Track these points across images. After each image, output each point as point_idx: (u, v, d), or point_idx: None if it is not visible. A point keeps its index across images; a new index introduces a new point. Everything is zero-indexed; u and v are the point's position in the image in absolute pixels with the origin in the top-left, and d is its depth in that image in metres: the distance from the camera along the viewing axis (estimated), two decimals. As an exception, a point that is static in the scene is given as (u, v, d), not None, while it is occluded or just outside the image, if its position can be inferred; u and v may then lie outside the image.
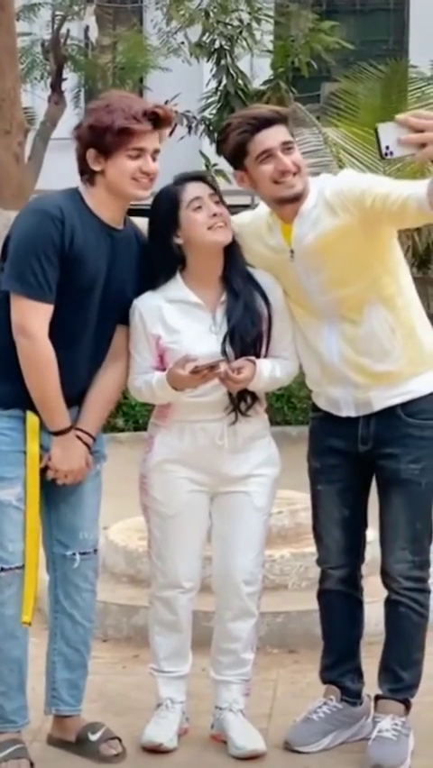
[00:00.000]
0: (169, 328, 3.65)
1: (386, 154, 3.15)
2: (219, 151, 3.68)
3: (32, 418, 3.58)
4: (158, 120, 3.53)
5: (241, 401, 3.69)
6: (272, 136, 3.55)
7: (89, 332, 3.61)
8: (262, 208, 3.75)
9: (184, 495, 3.74)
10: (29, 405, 3.57)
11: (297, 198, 3.58)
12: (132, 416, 11.08)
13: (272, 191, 3.58)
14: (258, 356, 3.66)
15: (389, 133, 3.15)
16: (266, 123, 3.56)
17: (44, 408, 3.55)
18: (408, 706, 3.81)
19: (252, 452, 3.76)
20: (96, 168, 3.54)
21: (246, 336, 3.64)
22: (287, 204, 3.59)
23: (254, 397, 3.72)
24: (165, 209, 3.64)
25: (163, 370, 3.64)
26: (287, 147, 3.56)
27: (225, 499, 3.78)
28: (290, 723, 3.96)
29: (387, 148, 3.15)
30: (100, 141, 3.50)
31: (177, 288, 3.68)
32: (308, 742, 3.78)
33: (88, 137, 3.53)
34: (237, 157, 3.59)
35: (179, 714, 3.85)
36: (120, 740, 3.76)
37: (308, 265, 3.63)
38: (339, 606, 3.92)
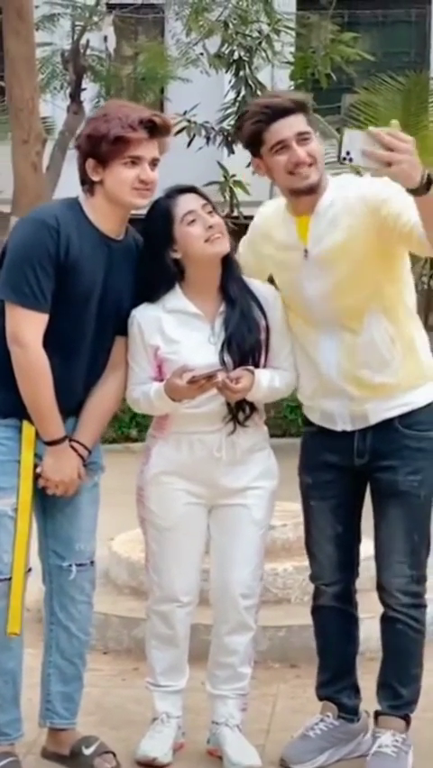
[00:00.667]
0: (167, 339, 3.62)
1: (344, 159, 3.12)
2: (237, 138, 3.68)
3: (27, 428, 3.56)
4: (155, 128, 3.51)
5: (239, 411, 3.66)
6: (288, 126, 3.50)
7: (87, 342, 3.59)
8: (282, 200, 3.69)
9: (181, 507, 3.71)
10: (26, 414, 3.55)
11: (312, 190, 3.54)
12: (145, 426, 11.01)
13: (287, 182, 3.54)
14: (257, 366, 3.63)
15: (355, 141, 3.13)
16: (283, 112, 3.50)
17: (38, 418, 3.53)
18: (408, 722, 3.77)
19: (250, 465, 3.73)
20: (95, 177, 3.53)
21: (244, 344, 3.62)
22: (302, 195, 3.55)
23: (253, 407, 3.69)
24: (159, 225, 3.61)
25: (162, 380, 3.61)
26: (303, 138, 3.51)
27: (222, 512, 3.75)
28: (288, 739, 3.93)
29: (348, 153, 3.12)
30: (97, 150, 3.49)
31: (176, 298, 3.66)
32: (304, 759, 3.74)
33: (86, 147, 3.53)
34: (253, 145, 3.56)
35: (174, 728, 3.81)
36: (114, 754, 3.73)
37: (320, 267, 3.58)
38: (334, 622, 3.88)
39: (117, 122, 3.48)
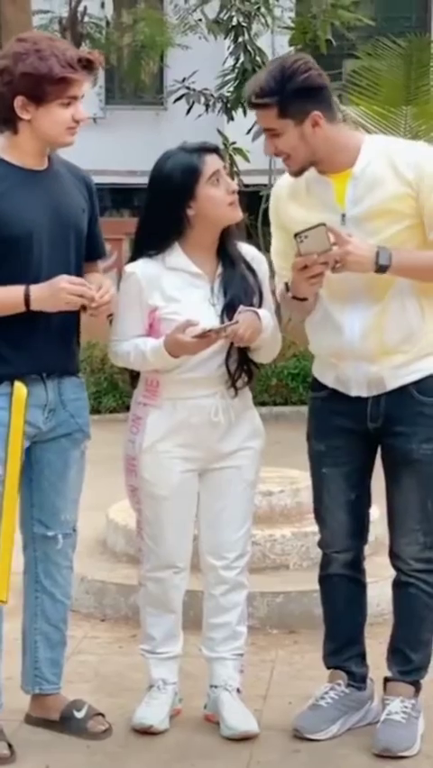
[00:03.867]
0: (167, 297, 3.58)
1: (297, 234, 3.39)
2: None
3: (18, 390, 3.48)
4: (91, 66, 3.44)
5: (240, 374, 3.63)
6: (260, 119, 3.49)
7: (55, 274, 3.48)
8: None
9: (176, 475, 3.67)
10: (18, 374, 3.49)
11: (303, 171, 3.51)
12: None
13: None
14: None
15: (320, 235, 3.36)
16: (252, 106, 3.48)
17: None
18: (418, 688, 3.74)
19: (241, 426, 3.72)
20: (25, 116, 3.43)
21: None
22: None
23: (251, 370, 3.67)
24: (181, 179, 3.54)
25: (152, 336, 3.59)
26: (270, 133, 3.45)
27: (214, 475, 3.72)
28: (286, 705, 3.91)
29: (305, 237, 3.36)
30: (35, 89, 3.39)
31: (177, 256, 3.61)
32: (319, 729, 3.69)
33: (20, 85, 3.39)
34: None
35: (170, 695, 3.79)
36: (104, 716, 3.72)
37: (358, 229, 3.48)
38: (343, 590, 3.84)
39: (55, 60, 3.37)
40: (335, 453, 3.71)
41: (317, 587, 4.60)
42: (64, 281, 3.43)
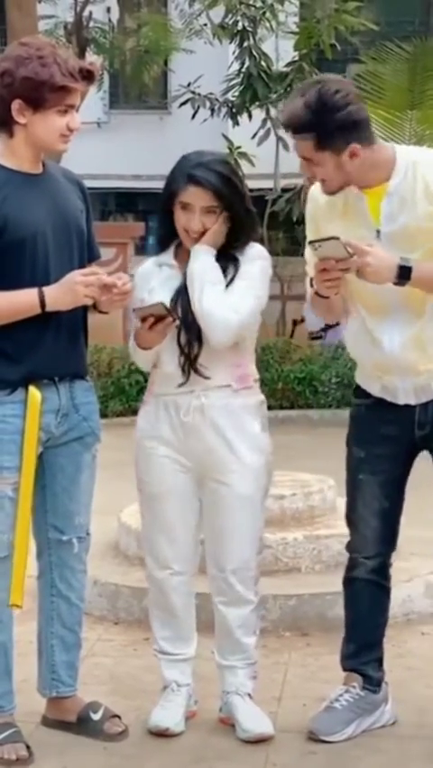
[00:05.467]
0: (149, 289, 3.67)
1: (311, 242, 3.45)
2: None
3: (34, 396, 3.51)
4: (90, 77, 3.49)
5: (189, 352, 3.60)
6: (296, 147, 3.47)
7: (60, 277, 3.51)
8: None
9: (168, 475, 3.68)
10: (31, 378, 3.52)
11: (339, 190, 3.50)
12: (153, 399, 11.03)
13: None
14: None
15: (336, 246, 3.35)
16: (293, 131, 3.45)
17: (11, 317, 3.47)
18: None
19: (233, 439, 3.64)
20: (21, 120, 3.45)
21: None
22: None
23: (199, 346, 3.60)
24: (169, 187, 3.63)
25: None
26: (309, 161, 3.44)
27: (207, 487, 3.70)
28: (300, 707, 3.93)
29: (319, 246, 3.39)
30: (33, 94, 3.41)
31: (167, 253, 3.73)
32: (335, 731, 3.71)
33: (20, 88, 3.41)
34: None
35: (185, 697, 3.81)
36: (120, 717, 3.74)
37: (393, 246, 3.45)
38: (368, 595, 3.83)
39: (57, 68, 3.40)
40: (374, 461, 3.70)
41: (329, 590, 4.66)
42: (78, 275, 3.46)
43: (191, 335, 3.60)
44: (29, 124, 3.45)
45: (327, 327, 3.68)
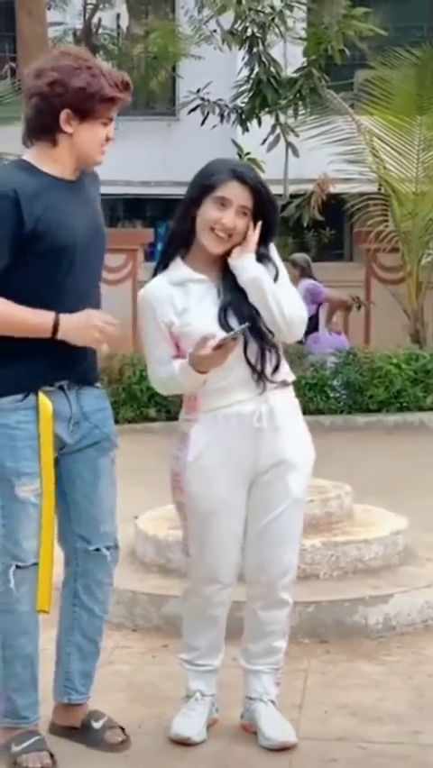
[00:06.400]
0: (178, 312, 3.58)
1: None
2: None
3: (44, 403, 3.50)
4: (128, 89, 3.53)
5: (264, 364, 3.57)
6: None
7: (91, 288, 3.58)
8: None
9: (223, 490, 3.63)
10: (40, 385, 3.52)
11: None
12: (164, 405, 11.04)
13: None
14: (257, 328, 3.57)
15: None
16: None
17: (23, 332, 3.47)
18: None
19: (287, 436, 3.64)
20: (68, 129, 3.48)
21: (242, 307, 3.57)
22: None
23: (277, 354, 3.60)
24: (198, 185, 3.58)
25: (181, 356, 3.57)
26: None
27: (261, 489, 3.66)
28: (322, 714, 3.92)
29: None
30: (83, 104, 3.45)
31: (178, 269, 3.62)
32: None
33: (71, 98, 3.44)
34: None
35: (208, 706, 3.80)
36: (123, 729, 3.72)
37: None
38: None
39: (104, 79, 3.46)
40: None
41: (347, 596, 4.66)
42: (98, 319, 3.47)
43: (264, 345, 3.57)
44: (75, 134, 3.48)
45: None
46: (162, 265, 3.66)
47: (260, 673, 3.78)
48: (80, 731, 3.73)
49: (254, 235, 3.57)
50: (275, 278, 3.60)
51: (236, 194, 3.54)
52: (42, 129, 3.50)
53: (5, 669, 3.58)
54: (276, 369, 3.61)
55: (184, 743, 3.71)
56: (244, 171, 3.58)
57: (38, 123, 3.50)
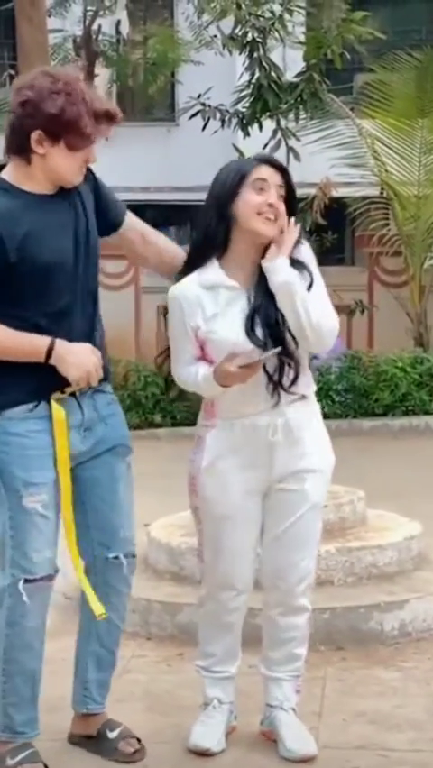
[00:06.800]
0: (206, 317, 3.53)
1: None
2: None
3: (57, 411, 3.47)
4: (113, 120, 3.42)
5: (282, 376, 3.50)
6: None
7: (81, 292, 3.51)
8: None
9: (237, 496, 3.60)
10: (54, 391, 3.49)
11: None
12: (169, 411, 11.04)
13: None
14: (283, 340, 3.49)
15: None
16: None
17: (16, 356, 3.43)
18: None
19: (305, 445, 3.60)
20: (40, 150, 3.39)
21: (270, 318, 3.50)
22: None
23: (297, 367, 3.53)
24: (228, 180, 3.52)
25: (204, 358, 3.54)
26: None
27: (278, 496, 3.63)
28: (340, 722, 3.89)
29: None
30: (55, 130, 3.35)
31: (213, 272, 3.54)
32: None
33: (41, 121, 3.35)
34: None
35: (226, 714, 3.77)
36: (139, 739, 3.69)
37: None
38: None
39: (83, 107, 3.33)
40: None
41: (362, 602, 4.64)
42: (96, 358, 3.44)
43: (284, 356, 3.49)
44: (47, 156, 3.40)
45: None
46: (195, 265, 3.58)
47: (280, 681, 3.75)
48: (95, 740, 3.72)
49: (290, 235, 3.52)
50: (309, 286, 3.53)
51: (270, 174, 3.53)
52: (16, 147, 3.43)
53: (5, 683, 3.54)
54: (294, 381, 3.55)
55: (204, 753, 3.68)
56: (267, 156, 3.62)
57: (12, 140, 3.43)
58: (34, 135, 3.36)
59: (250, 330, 3.50)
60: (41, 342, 3.41)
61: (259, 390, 3.54)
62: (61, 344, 3.42)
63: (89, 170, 3.57)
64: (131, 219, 3.72)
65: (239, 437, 3.58)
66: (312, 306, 3.49)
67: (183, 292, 3.56)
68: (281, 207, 3.52)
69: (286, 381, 3.53)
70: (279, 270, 3.49)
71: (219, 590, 3.71)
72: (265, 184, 3.51)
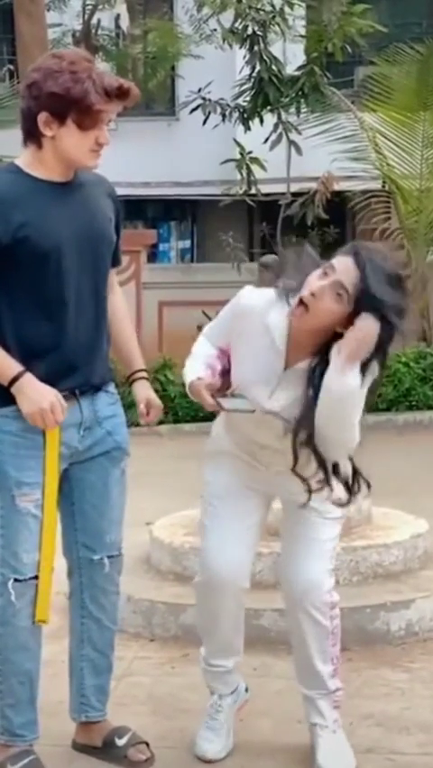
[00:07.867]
0: (243, 342, 3.36)
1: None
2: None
3: None
4: (125, 96, 3.32)
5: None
6: None
7: (82, 294, 3.44)
8: None
9: (236, 487, 3.54)
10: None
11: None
12: (171, 408, 10.98)
13: None
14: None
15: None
16: None
17: None
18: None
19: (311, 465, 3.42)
20: (48, 133, 3.33)
21: (294, 408, 3.30)
22: None
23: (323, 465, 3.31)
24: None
25: (219, 357, 3.46)
26: None
27: (286, 507, 3.58)
28: (347, 725, 3.83)
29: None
30: (60, 110, 3.28)
31: (279, 319, 3.29)
32: None
33: (46, 101, 3.27)
34: None
35: (228, 713, 3.70)
36: (148, 744, 3.61)
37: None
38: None
39: (91, 84, 3.24)
40: None
41: (368, 602, 4.57)
42: (56, 401, 3.33)
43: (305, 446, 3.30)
44: (57, 138, 3.34)
45: None
46: (280, 285, 3.34)
47: (311, 699, 3.63)
48: (104, 748, 3.64)
49: (367, 339, 3.17)
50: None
51: (337, 268, 3.24)
52: (27, 131, 3.38)
53: (1, 683, 3.47)
54: (317, 480, 3.36)
55: (210, 761, 3.61)
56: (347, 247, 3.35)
57: (23, 125, 3.38)
58: (41, 117, 3.31)
59: (262, 396, 3.32)
60: (11, 370, 3.34)
61: (270, 432, 3.39)
62: (28, 379, 3.34)
63: (114, 195, 3.56)
64: (114, 278, 3.68)
65: (237, 439, 3.53)
66: (350, 424, 3.25)
67: (253, 302, 3.37)
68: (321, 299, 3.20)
69: (308, 473, 3.36)
70: (346, 376, 3.17)
71: (203, 576, 3.62)
72: (329, 270, 3.23)
